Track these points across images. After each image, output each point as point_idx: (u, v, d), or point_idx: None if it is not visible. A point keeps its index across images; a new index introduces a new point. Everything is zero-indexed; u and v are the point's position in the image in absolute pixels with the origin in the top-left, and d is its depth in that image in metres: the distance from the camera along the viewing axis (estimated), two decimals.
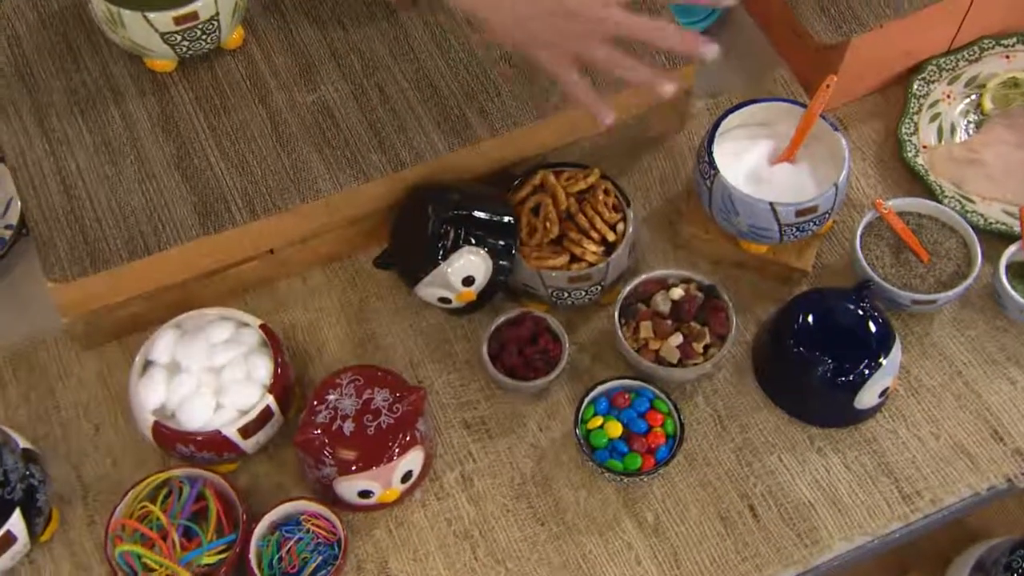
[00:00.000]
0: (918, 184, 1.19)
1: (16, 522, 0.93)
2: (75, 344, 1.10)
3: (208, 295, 1.10)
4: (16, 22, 1.13)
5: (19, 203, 1.09)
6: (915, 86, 1.25)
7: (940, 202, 1.16)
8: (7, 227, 1.14)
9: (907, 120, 1.23)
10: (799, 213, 1.05)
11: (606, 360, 1.11)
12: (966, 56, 1.27)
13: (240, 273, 1.11)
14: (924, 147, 1.22)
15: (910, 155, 1.20)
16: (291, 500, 0.99)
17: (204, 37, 1.07)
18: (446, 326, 1.13)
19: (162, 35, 1.05)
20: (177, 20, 1.04)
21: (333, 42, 1.13)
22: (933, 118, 1.24)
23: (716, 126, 1.09)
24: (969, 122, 1.24)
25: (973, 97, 1.26)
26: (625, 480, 1.01)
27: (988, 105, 1.25)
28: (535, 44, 0.90)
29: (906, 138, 1.22)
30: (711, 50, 0.87)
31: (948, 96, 1.25)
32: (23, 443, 0.97)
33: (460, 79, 1.12)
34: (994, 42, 1.27)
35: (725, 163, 1.08)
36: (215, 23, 1.06)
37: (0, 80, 1.10)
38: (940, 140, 1.23)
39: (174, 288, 1.07)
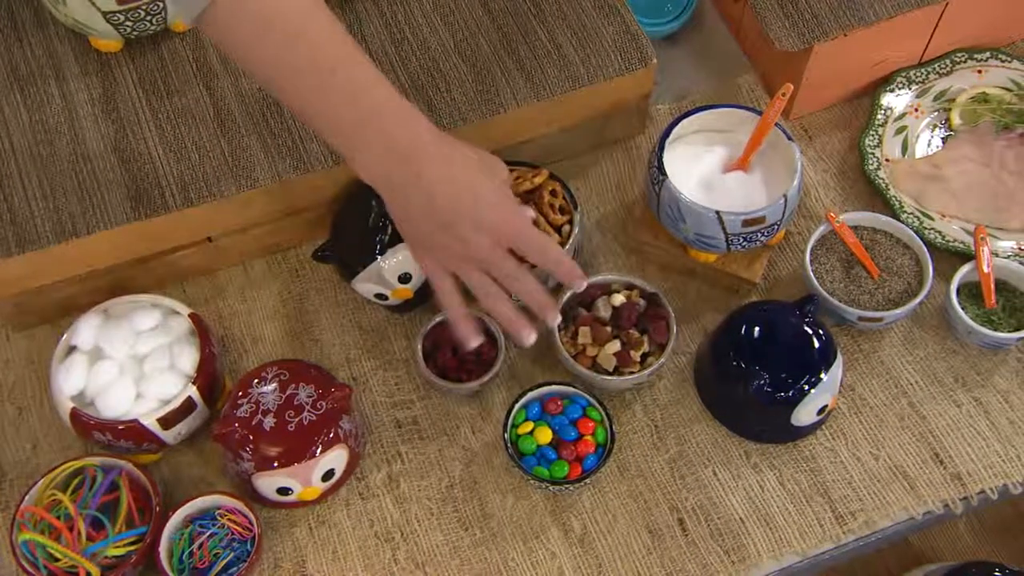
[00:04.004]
0: (879, 198, 1.17)
1: None
2: (5, 325, 1.08)
3: (145, 281, 1.08)
4: None
5: None
6: (882, 97, 1.22)
7: (898, 217, 1.13)
8: None
9: (871, 132, 1.20)
10: (746, 223, 1.03)
11: (547, 365, 1.08)
12: (937, 69, 1.24)
13: (177, 260, 1.09)
14: (887, 160, 1.19)
15: (872, 168, 1.18)
16: (207, 494, 0.97)
17: (149, 18, 1.05)
18: (386, 323, 1.11)
19: (104, 14, 1.02)
20: (119, 0, 1.02)
21: None
22: (899, 131, 1.21)
23: (668, 131, 1.07)
24: (936, 137, 1.21)
25: (941, 111, 1.23)
26: (551, 488, 0.99)
27: (956, 120, 1.21)
28: (431, 257, 0.92)
29: (869, 150, 1.19)
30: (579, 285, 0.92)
31: (916, 109, 1.22)
32: None
33: (410, 71, 1.10)
34: (967, 56, 1.24)
35: (677, 169, 1.06)
36: (160, 4, 1.04)
37: None
38: (904, 154, 1.20)
39: (108, 272, 1.05)
